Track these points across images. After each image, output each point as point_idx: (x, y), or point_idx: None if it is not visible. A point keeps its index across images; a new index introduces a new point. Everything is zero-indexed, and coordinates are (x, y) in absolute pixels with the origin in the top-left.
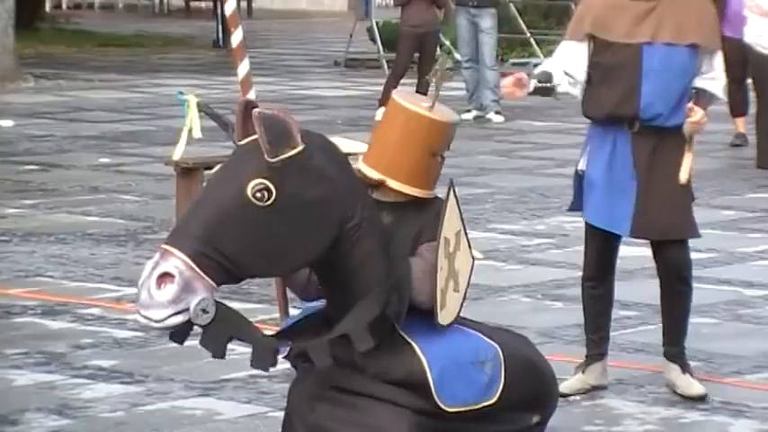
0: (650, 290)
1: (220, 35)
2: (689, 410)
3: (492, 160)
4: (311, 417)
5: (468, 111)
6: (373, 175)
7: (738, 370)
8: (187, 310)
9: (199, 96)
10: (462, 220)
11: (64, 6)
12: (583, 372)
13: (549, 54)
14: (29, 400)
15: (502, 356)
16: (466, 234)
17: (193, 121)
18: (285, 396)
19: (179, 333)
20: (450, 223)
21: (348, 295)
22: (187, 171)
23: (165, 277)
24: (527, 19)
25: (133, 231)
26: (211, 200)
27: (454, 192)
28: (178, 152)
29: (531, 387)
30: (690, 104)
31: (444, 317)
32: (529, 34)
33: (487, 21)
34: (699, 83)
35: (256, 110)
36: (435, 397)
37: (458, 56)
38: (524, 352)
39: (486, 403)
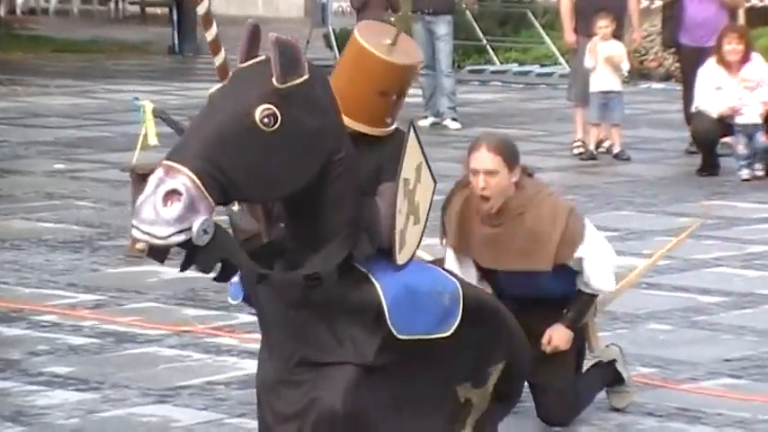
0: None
1: (176, 41)
2: (645, 417)
3: (449, 167)
4: (278, 404)
5: (425, 117)
6: None
7: (694, 376)
8: (189, 229)
9: (154, 102)
10: (424, 153)
11: (18, 12)
12: None
13: (505, 61)
14: None
15: (461, 293)
16: (427, 163)
17: (149, 128)
18: (242, 403)
19: (160, 253)
20: (410, 162)
21: (318, 229)
22: (143, 177)
23: (171, 194)
24: (483, 25)
25: (88, 238)
26: (216, 121)
27: (415, 131)
28: (136, 158)
29: (489, 332)
30: (547, 333)
31: (402, 256)
32: (485, 41)
33: (443, 27)
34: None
35: (272, 34)
36: (388, 323)
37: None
38: (487, 299)
39: (439, 335)
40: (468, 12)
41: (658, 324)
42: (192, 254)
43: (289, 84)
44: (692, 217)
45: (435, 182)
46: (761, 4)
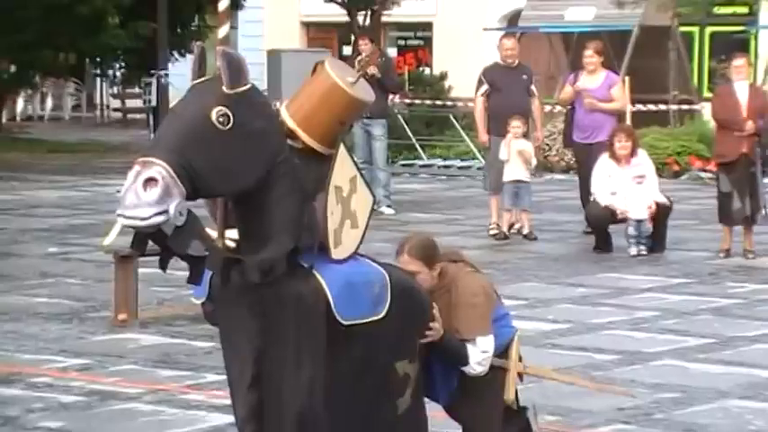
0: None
1: None
2: None
3: (386, 247)
4: (240, 402)
5: None
6: (289, 122)
7: (592, 423)
8: (167, 211)
9: None
10: (357, 166)
11: (18, 118)
12: None
13: (431, 156)
14: None
15: (388, 279)
16: (363, 177)
17: None
18: None
19: (141, 243)
20: (343, 172)
21: (265, 226)
22: (124, 258)
23: (150, 181)
24: (412, 127)
25: (77, 310)
26: (180, 123)
27: (345, 145)
28: (108, 239)
29: (412, 308)
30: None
31: (339, 252)
32: (414, 140)
33: (378, 129)
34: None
35: (220, 47)
36: (334, 311)
37: (354, 158)
38: (406, 280)
39: (375, 317)
40: (399, 116)
41: None
42: (167, 243)
43: (236, 90)
44: (588, 287)
45: (374, 197)
46: (644, 109)
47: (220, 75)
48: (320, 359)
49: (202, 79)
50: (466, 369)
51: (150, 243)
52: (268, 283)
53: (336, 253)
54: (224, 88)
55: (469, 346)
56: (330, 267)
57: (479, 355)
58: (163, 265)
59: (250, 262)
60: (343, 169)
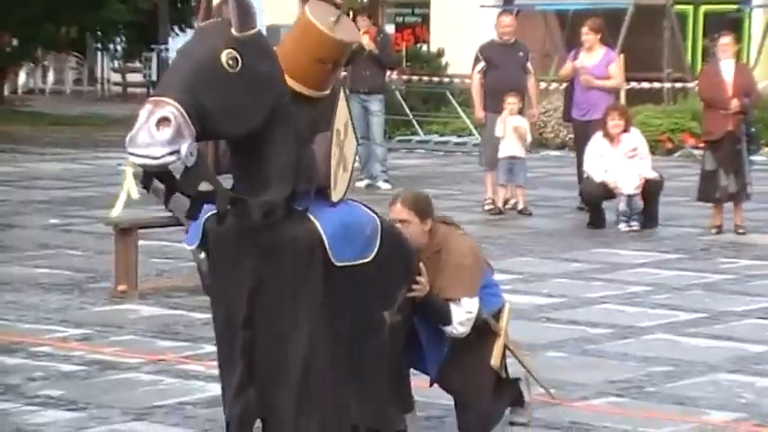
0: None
1: None
2: (543, 430)
3: None
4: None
5: (361, 180)
6: None
7: (585, 395)
8: (178, 152)
9: (134, 166)
10: (350, 114)
11: (20, 91)
12: None
13: (428, 132)
14: None
15: (379, 224)
16: (352, 124)
17: (130, 187)
18: (208, 420)
19: (148, 180)
20: (341, 116)
21: (262, 171)
22: (124, 230)
23: (163, 121)
24: (409, 103)
25: (77, 281)
26: (190, 63)
27: (344, 91)
28: (115, 211)
29: (400, 256)
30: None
31: (335, 195)
32: (411, 116)
33: (376, 105)
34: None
35: None
36: (329, 252)
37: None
38: (396, 228)
39: (364, 260)
40: (396, 92)
41: (555, 352)
42: (174, 185)
43: (245, 33)
44: (582, 262)
45: (358, 142)
46: (638, 87)
47: (226, 20)
48: (318, 299)
49: (209, 21)
50: (448, 329)
51: (149, 222)
52: (264, 226)
53: (335, 195)
54: (233, 31)
55: (454, 306)
56: (324, 210)
57: (463, 314)
58: (166, 203)
59: (253, 203)
60: (341, 114)
